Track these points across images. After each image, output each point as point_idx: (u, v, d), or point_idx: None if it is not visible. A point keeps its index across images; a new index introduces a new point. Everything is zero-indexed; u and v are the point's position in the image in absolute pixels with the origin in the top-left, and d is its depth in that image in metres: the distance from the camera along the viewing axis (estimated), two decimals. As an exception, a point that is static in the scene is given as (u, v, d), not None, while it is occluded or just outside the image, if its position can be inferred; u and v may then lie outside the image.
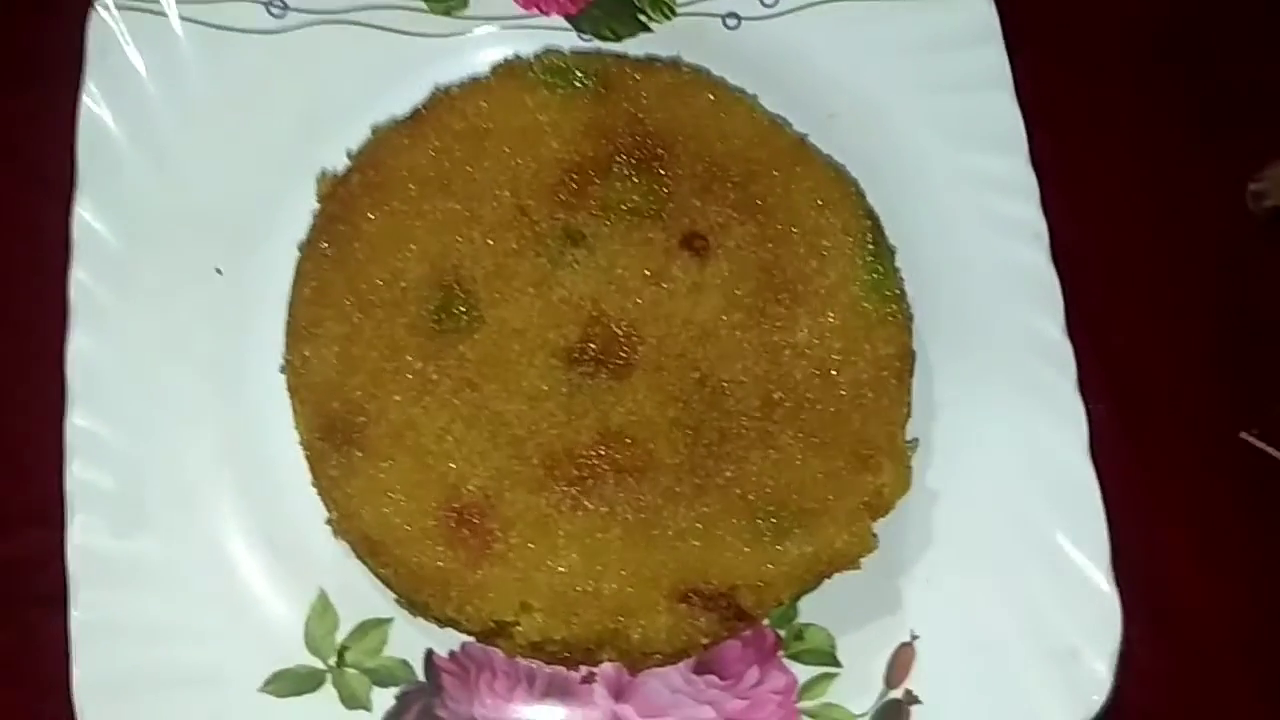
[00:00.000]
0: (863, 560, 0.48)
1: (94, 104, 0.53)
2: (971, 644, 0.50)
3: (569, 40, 0.57)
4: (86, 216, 0.52)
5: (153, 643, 0.48)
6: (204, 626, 0.49)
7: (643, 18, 0.58)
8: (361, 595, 0.50)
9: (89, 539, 0.49)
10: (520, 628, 0.46)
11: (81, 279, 0.51)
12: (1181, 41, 0.62)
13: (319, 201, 0.51)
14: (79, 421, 0.50)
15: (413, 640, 0.50)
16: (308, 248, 0.50)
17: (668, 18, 0.58)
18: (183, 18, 0.55)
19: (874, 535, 0.48)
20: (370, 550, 0.47)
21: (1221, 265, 0.59)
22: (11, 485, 0.53)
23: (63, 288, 0.51)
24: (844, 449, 0.48)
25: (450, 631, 0.49)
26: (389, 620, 0.50)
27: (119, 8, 0.54)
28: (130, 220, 0.53)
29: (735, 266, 0.50)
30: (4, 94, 0.57)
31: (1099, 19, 0.62)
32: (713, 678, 0.50)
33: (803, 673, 0.50)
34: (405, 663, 0.50)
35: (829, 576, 0.48)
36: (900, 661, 0.50)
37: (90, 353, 0.51)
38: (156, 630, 0.48)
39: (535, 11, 0.58)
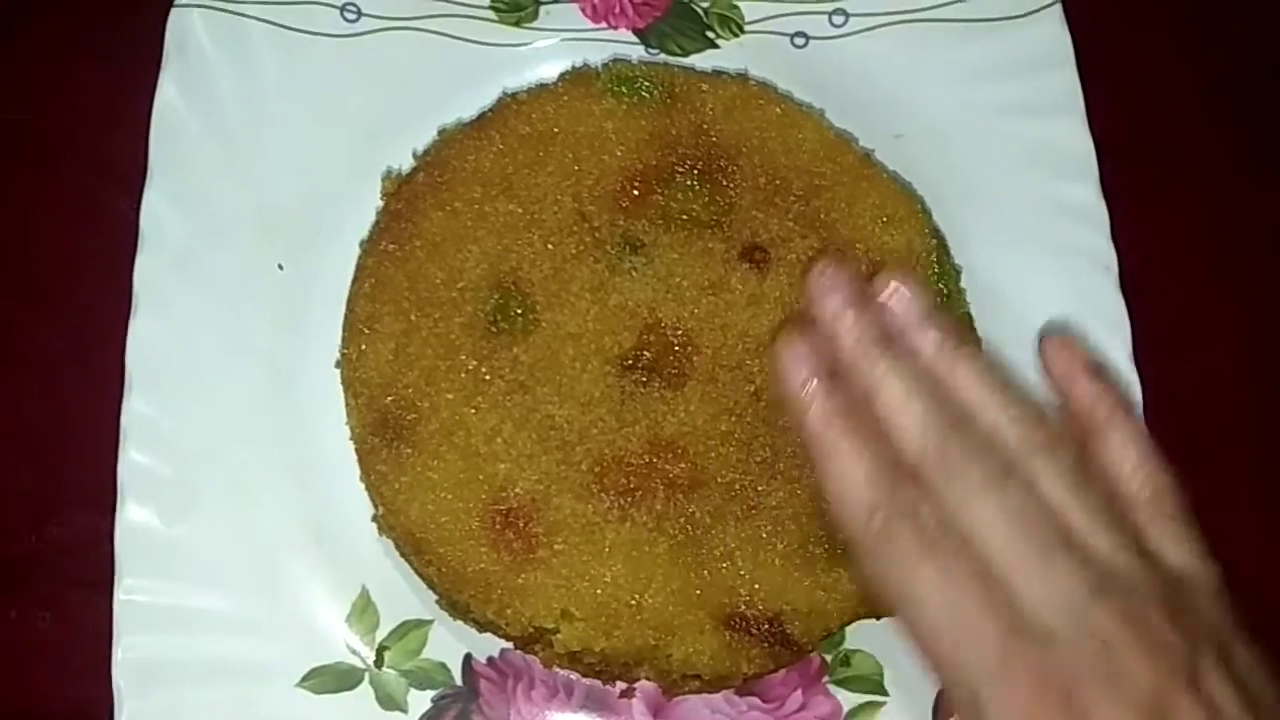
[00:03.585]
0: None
1: (169, 98, 0.53)
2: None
3: (636, 54, 0.56)
4: (155, 207, 0.52)
5: (194, 630, 0.47)
6: (246, 618, 0.48)
7: (710, 34, 0.57)
8: (403, 596, 0.49)
9: (138, 524, 0.48)
10: (560, 636, 0.44)
11: (147, 268, 0.51)
12: (1258, 79, 0.60)
13: (383, 199, 0.51)
14: (137, 407, 0.49)
15: (452, 644, 0.48)
16: (370, 245, 0.49)
17: (735, 35, 0.57)
18: (259, 19, 0.55)
19: None
20: (414, 548, 0.46)
21: (1293, 303, 0.57)
22: (64, 469, 0.52)
23: (124, 278, 0.51)
24: (901, 471, 0.46)
25: (489, 637, 0.47)
26: (429, 622, 0.49)
27: (198, 6, 0.54)
28: (197, 213, 0.52)
29: (795, 280, 0.48)
30: (80, 90, 0.57)
31: (1175, 51, 0.60)
32: (755, 699, 0.48)
33: (848, 700, 0.48)
34: (444, 666, 0.49)
35: (880, 616, 0.46)
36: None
37: (151, 340, 0.50)
38: (199, 618, 0.47)
39: (604, 25, 0.57)
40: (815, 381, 0.40)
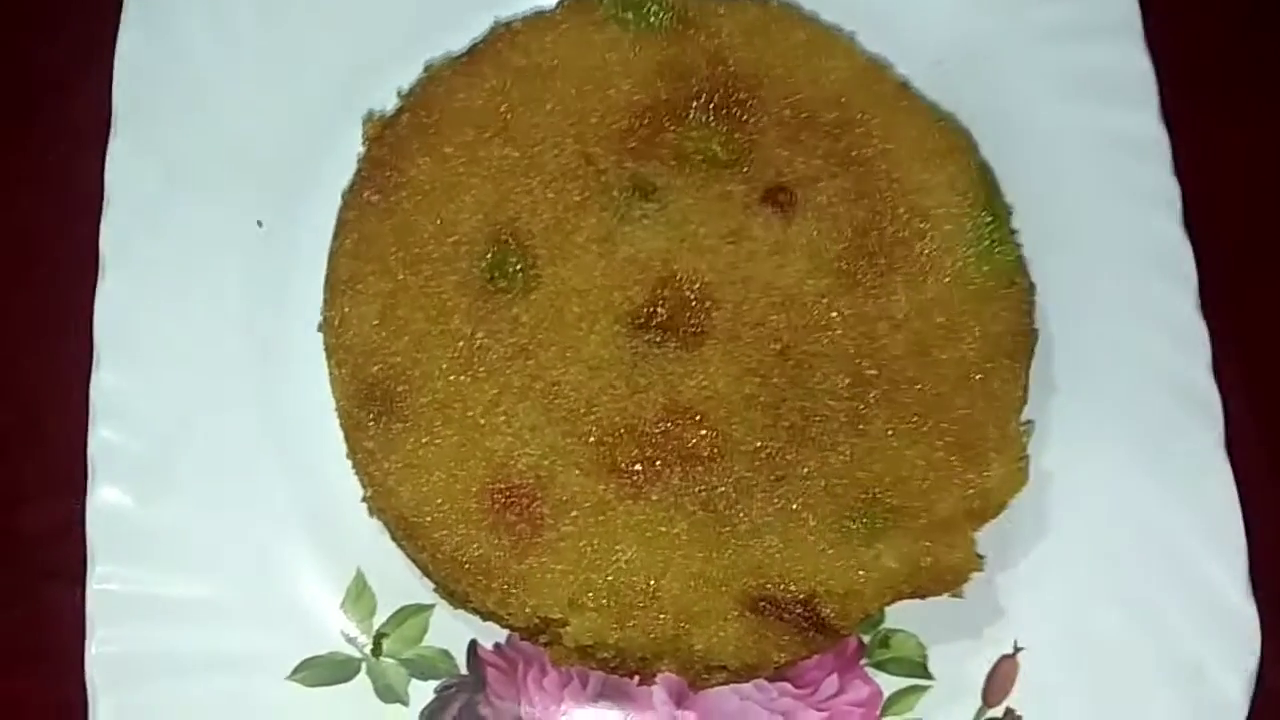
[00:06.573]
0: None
1: (134, 42, 0.48)
2: (1083, 658, 0.43)
3: (645, -23, 0.50)
4: (122, 159, 0.47)
5: (175, 621, 0.43)
6: (231, 605, 0.43)
7: (727, -48, 0.51)
8: (402, 578, 0.44)
9: (112, 506, 0.43)
10: (569, 628, 0.39)
11: (115, 227, 0.46)
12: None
13: (365, 145, 0.45)
14: (106, 380, 0.44)
15: (456, 629, 0.44)
16: (351, 196, 0.44)
17: (754, -48, 0.51)
18: (228, -50, 0.49)
19: (980, 555, 0.41)
20: (407, 532, 0.41)
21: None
22: (33, 453, 0.47)
23: (91, 245, 0.46)
24: (946, 437, 0.41)
25: (496, 622, 0.43)
26: (430, 607, 0.44)
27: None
28: (168, 165, 0.47)
29: (824, 225, 0.43)
30: (33, 46, 0.52)
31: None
32: (786, 685, 0.44)
33: (888, 684, 0.44)
34: (447, 653, 0.44)
35: (924, 596, 0.41)
36: (1001, 675, 0.43)
37: (121, 306, 0.45)
38: (180, 607, 0.43)
39: (610, -56, 0.51)
40: None
